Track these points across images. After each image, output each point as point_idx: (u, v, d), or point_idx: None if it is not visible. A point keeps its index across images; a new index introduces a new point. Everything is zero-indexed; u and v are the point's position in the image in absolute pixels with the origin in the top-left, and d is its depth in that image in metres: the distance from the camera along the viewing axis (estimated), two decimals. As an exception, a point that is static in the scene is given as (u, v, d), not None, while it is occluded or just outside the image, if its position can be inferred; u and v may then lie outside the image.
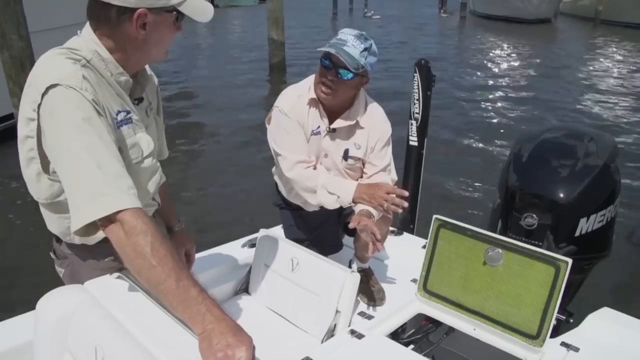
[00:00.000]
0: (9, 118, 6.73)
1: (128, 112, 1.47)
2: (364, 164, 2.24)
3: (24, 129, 1.36)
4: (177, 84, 11.76)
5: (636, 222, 5.06)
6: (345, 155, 2.18)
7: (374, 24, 25.52)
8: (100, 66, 1.40)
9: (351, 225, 1.94)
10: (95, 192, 1.23)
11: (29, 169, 1.42)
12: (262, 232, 2.18)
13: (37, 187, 1.44)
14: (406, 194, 2.00)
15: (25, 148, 1.39)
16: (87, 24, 1.43)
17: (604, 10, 23.91)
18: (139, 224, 1.22)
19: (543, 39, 20.89)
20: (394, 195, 1.98)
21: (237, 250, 2.42)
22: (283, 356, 1.56)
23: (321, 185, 2.07)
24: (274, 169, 2.36)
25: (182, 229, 1.98)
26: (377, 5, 35.85)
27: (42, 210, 1.56)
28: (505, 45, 18.99)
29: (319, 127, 2.14)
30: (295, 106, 2.11)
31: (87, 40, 1.41)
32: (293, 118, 2.10)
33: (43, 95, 1.28)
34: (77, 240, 1.56)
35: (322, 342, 1.85)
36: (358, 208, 2.06)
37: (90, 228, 1.26)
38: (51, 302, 1.47)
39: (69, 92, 1.27)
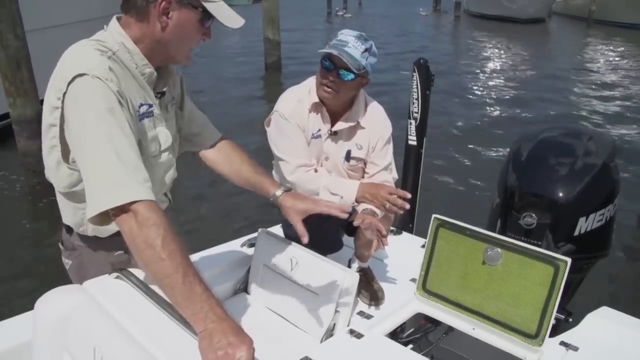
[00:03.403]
0: (5, 117, 6.67)
1: (150, 106, 1.48)
2: (365, 164, 2.24)
3: (49, 117, 1.38)
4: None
5: (635, 222, 5.08)
6: (348, 157, 2.18)
7: (347, 23, 25.40)
8: (125, 58, 1.42)
9: (356, 223, 1.94)
10: (113, 181, 1.24)
11: (50, 157, 1.44)
12: (261, 231, 2.17)
13: (56, 175, 1.46)
14: (408, 195, 2.01)
15: (49, 136, 1.41)
16: (114, 17, 1.45)
17: (597, 10, 24.00)
18: (153, 216, 1.22)
19: (537, 39, 20.98)
20: (395, 196, 1.98)
21: (236, 249, 2.40)
22: (282, 356, 1.55)
23: (323, 187, 2.07)
24: (273, 171, 2.35)
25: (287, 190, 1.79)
26: (370, 4, 35.80)
27: (59, 200, 1.57)
28: (500, 45, 19.02)
29: (319, 130, 2.14)
30: (295, 110, 2.11)
31: (113, 33, 1.43)
32: (293, 122, 2.10)
33: (69, 84, 1.29)
34: (90, 231, 1.57)
35: (321, 341, 1.85)
36: (361, 207, 2.06)
37: (105, 217, 1.27)
38: (50, 302, 1.47)
39: (95, 82, 1.29)
